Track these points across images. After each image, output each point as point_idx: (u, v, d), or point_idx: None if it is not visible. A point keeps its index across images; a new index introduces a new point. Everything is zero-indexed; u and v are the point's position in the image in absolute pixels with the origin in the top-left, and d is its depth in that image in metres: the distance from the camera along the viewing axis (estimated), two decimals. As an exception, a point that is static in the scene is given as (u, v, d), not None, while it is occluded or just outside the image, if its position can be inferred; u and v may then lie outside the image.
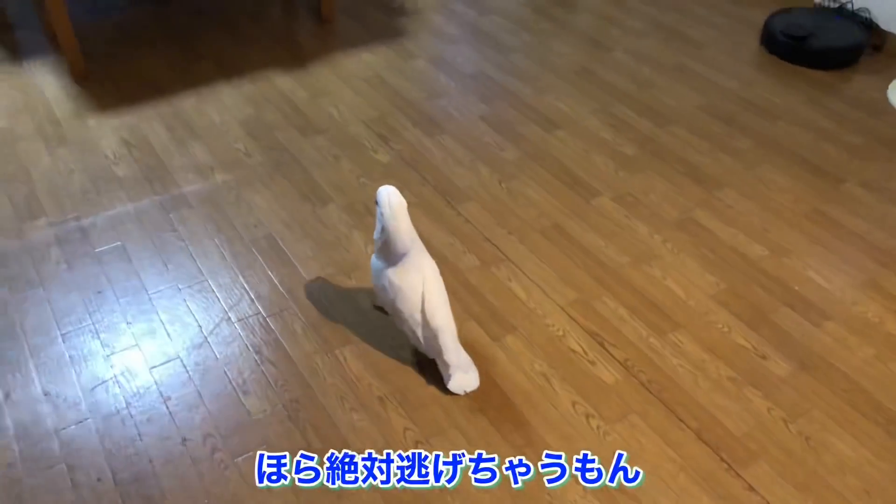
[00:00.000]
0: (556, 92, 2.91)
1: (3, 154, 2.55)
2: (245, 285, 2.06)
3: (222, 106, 2.82)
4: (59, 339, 1.90)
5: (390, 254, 1.67)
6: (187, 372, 1.82)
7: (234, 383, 1.79)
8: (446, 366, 1.72)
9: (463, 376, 1.74)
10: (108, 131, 2.68)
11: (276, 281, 2.07)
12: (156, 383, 1.80)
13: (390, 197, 1.63)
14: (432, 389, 1.77)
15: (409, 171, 2.48)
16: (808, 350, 1.89)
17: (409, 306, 1.69)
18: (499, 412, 1.73)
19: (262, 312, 1.97)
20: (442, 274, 2.01)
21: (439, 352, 1.69)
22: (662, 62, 3.12)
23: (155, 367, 1.83)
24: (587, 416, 1.72)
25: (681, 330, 1.93)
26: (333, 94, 2.90)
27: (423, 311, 1.67)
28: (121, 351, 1.87)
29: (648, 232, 2.24)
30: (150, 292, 2.04)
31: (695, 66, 3.09)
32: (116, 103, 2.83)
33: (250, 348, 1.88)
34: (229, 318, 1.96)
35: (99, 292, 2.03)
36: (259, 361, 1.85)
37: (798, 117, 2.78)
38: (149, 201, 2.36)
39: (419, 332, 1.70)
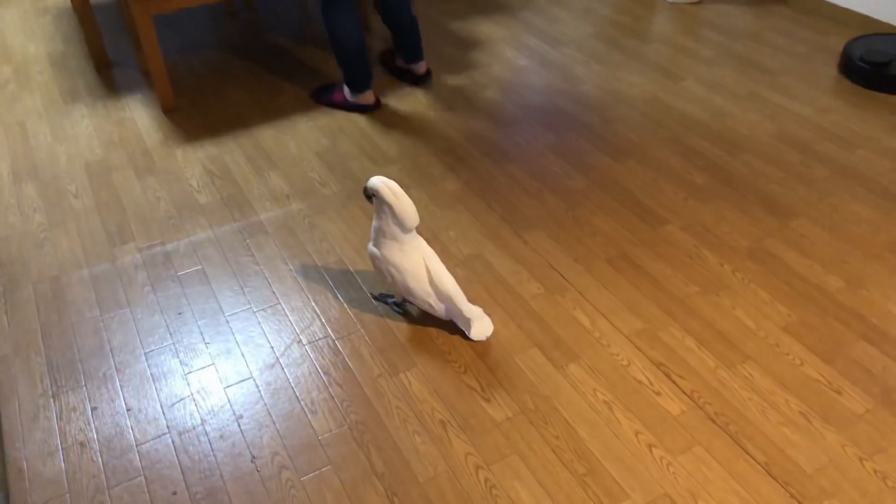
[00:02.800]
0: (626, 122, 2.91)
1: (98, 183, 2.73)
2: (316, 309, 2.13)
3: (299, 137, 2.94)
4: (143, 357, 2.01)
5: (397, 236, 1.87)
6: (259, 391, 1.90)
7: (302, 403, 1.86)
8: (465, 320, 1.93)
9: (480, 324, 1.95)
10: (193, 161, 2.83)
11: (345, 305, 2.13)
12: (229, 401, 1.88)
13: (386, 182, 1.84)
14: (494, 415, 1.79)
15: (476, 200, 2.53)
16: (886, 385, 1.81)
17: (420, 283, 1.91)
18: (560, 439, 1.73)
19: (332, 335, 2.04)
20: (507, 302, 2.02)
21: (458, 312, 1.93)
22: (735, 91, 3.08)
23: (229, 385, 1.92)
24: (650, 447, 1.70)
25: (750, 362, 1.89)
26: (405, 126, 2.98)
27: (431, 284, 1.90)
28: (198, 370, 1.97)
29: (718, 262, 2.21)
30: (226, 314, 2.13)
31: (769, 95, 3.04)
32: (201, 134, 2.99)
33: (319, 370, 1.94)
34: (300, 341, 2.03)
35: (179, 313, 2.14)
36: (327, 383, 1.91)
37: (878, 145, 2.70)
38: (228, 227, 2.48)
39: (432, 302, 1.93)
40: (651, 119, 2.91)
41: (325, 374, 1.93)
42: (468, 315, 1.92)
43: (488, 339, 1.98)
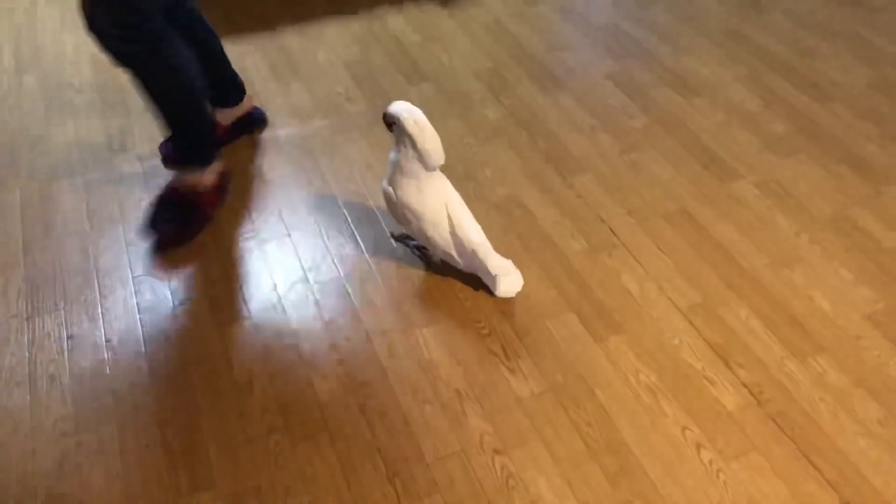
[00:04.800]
0: (699, 54, 2.54)
1: (104, 78, 2.47)
2: (328, 245, 1.88)
3: (328, 45, 2.63)
4: (130, 283, 1.79)
5: (417, 173, 1.61)
6: (256, 334, 1.67)
7: (302, 355, 1.63)
8: (491, 276, 1.68)
9: (507, 280, 1.69)
10: (209, 63, 2.54)
11: (361, 243, 1.88)
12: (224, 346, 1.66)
13: (410, 110, 1.56)
14: (518, 390, 1.55)
15: (519, 132, 2.22)
16: None
17: (439, 231, 1.66)
18: (592, 427, 1.48)
19: (343, 278, 1.80)
20: (545, 257, 1.75)
21: (482, 267, 1.67)
22: (829, 28, 2.67)
23: (221, 325, 1.70)
24: (698, 447, 1.45)
25: (824, 354, 1.61)
26: (447, 40, 2.65)
27: (453, 233, 1.65)
28: (188, 305, 1.75)
29: (794, 229, 1.89)
30: (229, 244, 1.90)
31: (869, 35, 2.63)
32: (221, 31, 2.69)
33: (323, 318, 1.71)
34: (307, 280, 1.79)
35: (177, 236, 1.91)
36: (332, 334, 1.67)
37: None
38: (241, 141, 2.22)
39: (454, 253, 1.68)
40: (728, 54, 2.54)
41: (329, 322, 1.70)
42: (494, 272, 1.67)
43: (518, 297, 1.72)
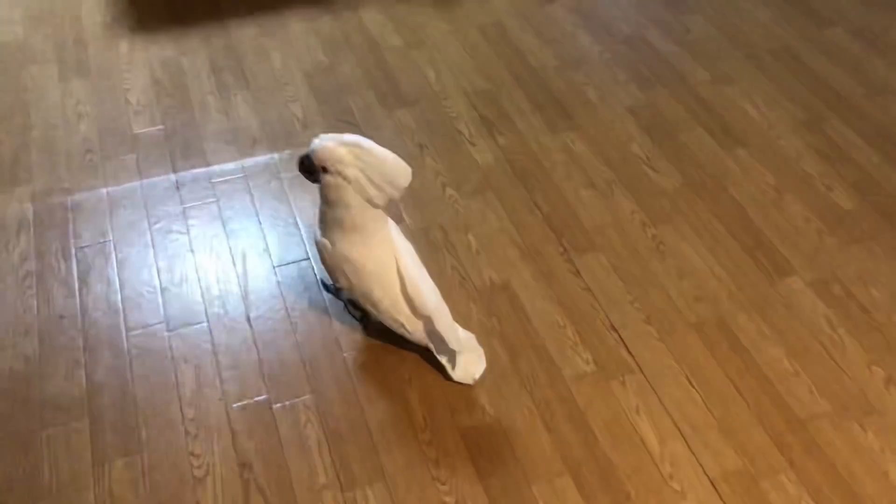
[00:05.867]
0: (744, 84, 2.05)
1: (6, 79, 1.98)
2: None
3: (289, 45, 2.14)
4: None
5: (360, 222, 1.27)
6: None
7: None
8: (449, 353, 1.36)
9: (469, 359, 1.38)
10: (139, 62, 2.06)
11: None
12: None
13: (350, 143, 1.21)
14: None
15: (515, 185, 1.75)
16: None
17: (388, 290, 1.32)
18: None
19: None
20: (537, 380, 1.33)
21: (439, 339, 1.33)
22: (905, 54, 2.18)
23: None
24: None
25: (904, 563, 1.19)
26: (435, 47, 2.15)
27: (404, 294, 1.31)
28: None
29: (865, 359, 1.45)
30: (125, 332, 1.46)
31: (954, 67, 2.14)
32: (160, 22, 2.20)
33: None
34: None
35: (61, 317, 1.47)
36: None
37: None
38: (161, 180, 1.75)
39: (403, 320, 1.34)
40: (781, 86, 2.04)
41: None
42: (455, 347, 1.33)
43: (493, 447, 1.29)
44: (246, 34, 2.16)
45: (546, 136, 1.88)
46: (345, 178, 1.22)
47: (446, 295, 1.36)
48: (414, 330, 1.36)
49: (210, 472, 1.26)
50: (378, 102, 1.97)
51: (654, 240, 1.64)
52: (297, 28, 2.19)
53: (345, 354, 1.43)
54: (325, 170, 1.23)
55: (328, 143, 1.22)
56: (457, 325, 1.36)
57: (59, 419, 1.33)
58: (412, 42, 2.16)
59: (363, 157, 1.21)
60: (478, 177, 1.78)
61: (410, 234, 1.63)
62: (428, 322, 1.33)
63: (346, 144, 1.21)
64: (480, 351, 1.40)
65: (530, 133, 1.89)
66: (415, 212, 1.69)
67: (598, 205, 1.72)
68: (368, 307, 1.37)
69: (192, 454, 1.28)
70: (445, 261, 1.60)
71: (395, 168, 1.23)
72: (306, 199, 1.71)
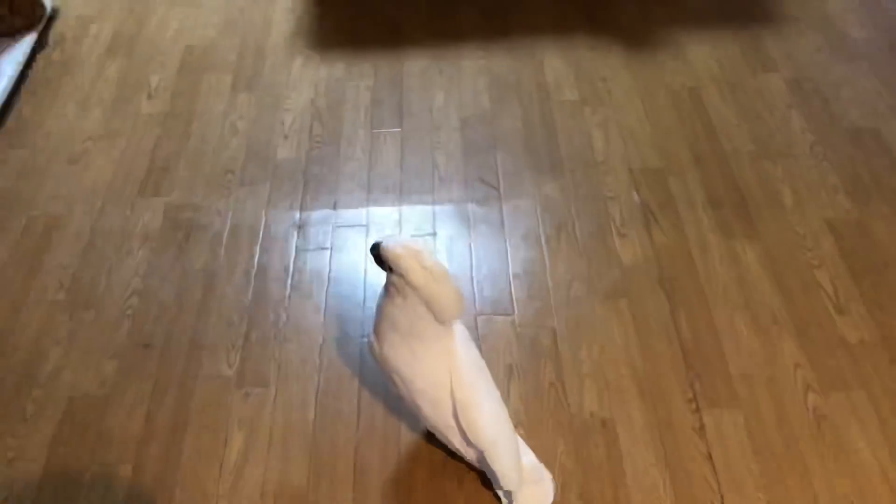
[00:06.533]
0: None
1: (184, 83, 2.03)
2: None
3: (455, 84, 1.99)
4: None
5: (417, 331, 1.11)
6: None
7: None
8: (503, 488, 1.19)
9: (534, 493, 1.21)
10: (305, 82, 2.03)
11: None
12: None
13: (418, 255, 1.05)
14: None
15: (656, 294, 1.47)
16: None
17: (439, 412, 1.14)
18: None
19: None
20: None
21: (492, 474, 1.17)
22: None
23: None
24: None
25: None
26: (613, 106, 1.89)
27: (456, 420, 1.13)
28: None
29: None
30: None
31: None
32: (338, 41, 2.15)
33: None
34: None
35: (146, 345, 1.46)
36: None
37: None
38: (285, 216, 1.69)
39: (457, 445, 1.18)
40: None
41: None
42: (509, 486, 1.16)
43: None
44: (416, 66, 2.05)
45: (713, 240, 1.57)
46: (409, 283, 1.06)
47: (534, 417, 1.19)
48: (470, 457, 1.18)
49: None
50: (528, 166, 1.76)
51: (815, 412, 1.29)
52: (470, 66, 2.03)
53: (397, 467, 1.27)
54: (391, 270, 1.08)
55: (397, 249, 1.06)
56: (522, 453, 1.19)
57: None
58: (588, 97, 1.92)
59: (424, 271, 1.04)
60: (615, 276, 1.52)
61: (514, 332, 1.43)
62: (482, 455, 1.14)
63: (411, 253, 1.05)
64: (550, 482, 1.21)
65: (695, 232, 1.58)
66: (527, 304, 1.48)
67: (754, 344, 1.38)
68: (422, 420, 1.20)
69: None
70: (545, 374, 1.37)
71: (447, 299, 1.06)
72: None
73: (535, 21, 2.15)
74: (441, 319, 1.10)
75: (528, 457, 1.22)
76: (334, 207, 1.71)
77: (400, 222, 1.67)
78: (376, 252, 1.09)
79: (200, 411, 1.37)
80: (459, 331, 1.16)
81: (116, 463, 1.31)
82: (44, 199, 1.76)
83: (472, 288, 1.52)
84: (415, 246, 1.07)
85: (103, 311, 1.53)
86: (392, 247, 1.06)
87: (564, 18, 2.15)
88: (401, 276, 1.06)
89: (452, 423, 1.14)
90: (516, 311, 1.47)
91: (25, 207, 1.74)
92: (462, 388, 1.12)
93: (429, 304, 1.08)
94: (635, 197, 1.66)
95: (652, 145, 1.78)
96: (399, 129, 1.88)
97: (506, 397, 1.32)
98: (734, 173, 1.70)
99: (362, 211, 1.70)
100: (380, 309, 1.15)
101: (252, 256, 1.62)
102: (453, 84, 1.99)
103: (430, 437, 1.27)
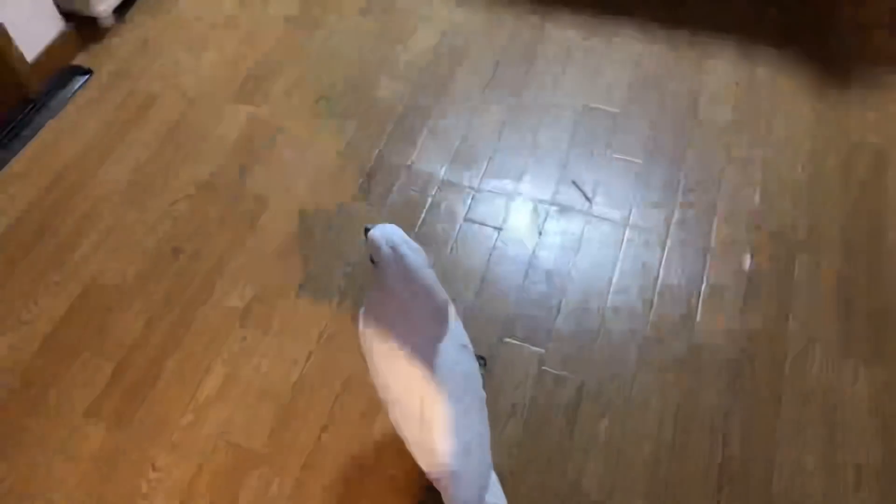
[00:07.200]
0: None
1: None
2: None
3: (591, 63, 1.76)
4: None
5: (396, 332, 0.98)
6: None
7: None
8: None
9: None
10: (437, 22, 1.87)
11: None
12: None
13: (399, 248, 0.93)
14: None
15: (716, 388, 1.23)
16: None
17: (405, 417, 0.99)
18: None
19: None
20: None
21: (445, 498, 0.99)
22: None
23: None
24: None
25: None
26: (770, 142, 1.59)
27: (414, 430, 0.98)
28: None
29: None
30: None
31: None
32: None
33: None
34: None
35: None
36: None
37: None
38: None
39: (416, 456, 1.00)
40: None
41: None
42: None
43: None
44: (560, 34, 1.82)
45: (822, 347, 1.28)
46: (385, 277, 0.93)
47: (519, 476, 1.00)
48: (427, 471, 1.03)
49: None
50: (636, 182, 1.52)
51: None
52: (619, 48, 1.78)
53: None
54: (372, 260, 0.95)
55: (378, 238, 0.93)
56: (493, 494, 1.03)
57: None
58: (743, 123, 1.62)
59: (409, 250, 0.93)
60: (679, 348, 1.28)
61: (538, 369, 1.26)
62: (436, 481, 1.00)
63: (393, 248, 0.92)
64: None
65: (800, 330, 1.30)
66: (560, 343, 1.29)
67: (816, 495, 1.12)
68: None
69: None
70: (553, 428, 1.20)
71: (422, 302, 0.94)
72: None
73: (720, 15, 1.84)
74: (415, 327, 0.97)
75: (499, 501, 1.07)
76: (409, 164, 1.58)
77: (467, 201, 1.51)
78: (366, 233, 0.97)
79: (195, 336, 1.33)
80: (452, 338, 1.01)
81: (104, 358, 1.31)
82: (149, 76, 1.76)
83: (509, 310, 1.35)
84: (397, 238, 0.93)
85: (150, 208, 1.51)
86: (377, 237, 0.93)
87: (757, 23, 1.82)
88: (380, 267, 0.94)
89: (417, 434, 1.00)
90: (547, 347, 1.30)
91: (132, 80, 1.75)
92: (432, 406, 0.98)
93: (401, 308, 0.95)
94: (746, 261, 1.39)
95: (796, 206, 1.48)
96: (515, 99, 1.69)
97: (500, 432, 1.18)
98: (884, 276, 1.38)
99: (435, 176, 1.55)
100: (368, 296, 1.03)
101: (307, 197, 1.54)
102: (590, 65, 1.76)
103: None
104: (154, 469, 1.18)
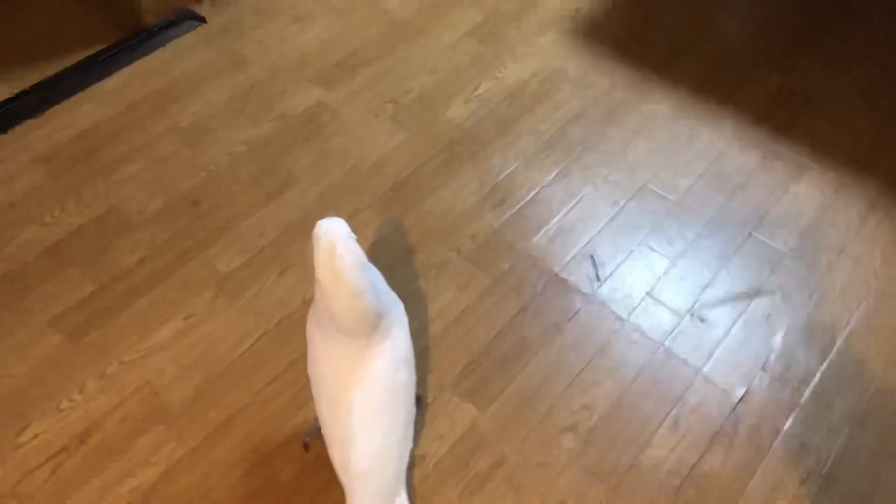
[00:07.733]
0: None
1: (432, 2, 1.97)
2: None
3: (669, 144, 1.65)
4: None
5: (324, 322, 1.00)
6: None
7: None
8: None
9: None
10: (533, 61, 1.83)
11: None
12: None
13: (335, 248, 0.94)
14: None
15: None
16: None
17: (331, 412, 0.99)
18: None
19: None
20: None
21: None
22: None
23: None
24: None
25: None
26: (873, 291, 1.43)
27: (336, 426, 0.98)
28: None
29: None
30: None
31: None
32: (598, 39, 1.90)
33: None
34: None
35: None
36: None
37: None
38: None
39: (335, 454, 1.00)
40: None
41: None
42: None
43: None
44: (652, 105, 1.73)
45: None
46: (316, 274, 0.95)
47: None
48: (342, 481, 1.02)
49: None
50: (675, 281, 1.42)
51: None
52: (708, 138, 1.66)
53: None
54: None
55: (320, 232, 0.95)
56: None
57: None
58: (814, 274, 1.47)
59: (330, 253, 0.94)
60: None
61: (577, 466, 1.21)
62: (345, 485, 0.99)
63: (329, 246, 0.93)
64: None
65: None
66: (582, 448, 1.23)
67: None
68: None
69: None
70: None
71: (339, 309, 0.94)
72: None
73: (845, 123, 1.67)
74: (338, 328, 0.97)
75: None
76: (439, 189, 1.56)
77: (481, 237, 1.47)
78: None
79: (173, 285, 1.39)
80: (395, 349, 1.00)
81: (89, 279, 1.40)
82: (249, 39, 1.86)
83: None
84: (337, 235, 0.93)
85: (200, 154, 1.60)
86: (321, 232, 0.95)
87: (882, 141, 1.64)
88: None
89: (339, 433, 0.98)
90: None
91: (233, 38, 1.86)
92: (360, 410, 0.97)
93: (326, 306, 0.95)
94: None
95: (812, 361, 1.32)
96: (570, 156, 1.63)
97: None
98: None
99: (462, 215, 1.52)
100: (315, 291, 1.03)
101: (333, 188, 1.56)
102: (668, 146, 1.65)
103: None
104: (80, 391, 1.25)
